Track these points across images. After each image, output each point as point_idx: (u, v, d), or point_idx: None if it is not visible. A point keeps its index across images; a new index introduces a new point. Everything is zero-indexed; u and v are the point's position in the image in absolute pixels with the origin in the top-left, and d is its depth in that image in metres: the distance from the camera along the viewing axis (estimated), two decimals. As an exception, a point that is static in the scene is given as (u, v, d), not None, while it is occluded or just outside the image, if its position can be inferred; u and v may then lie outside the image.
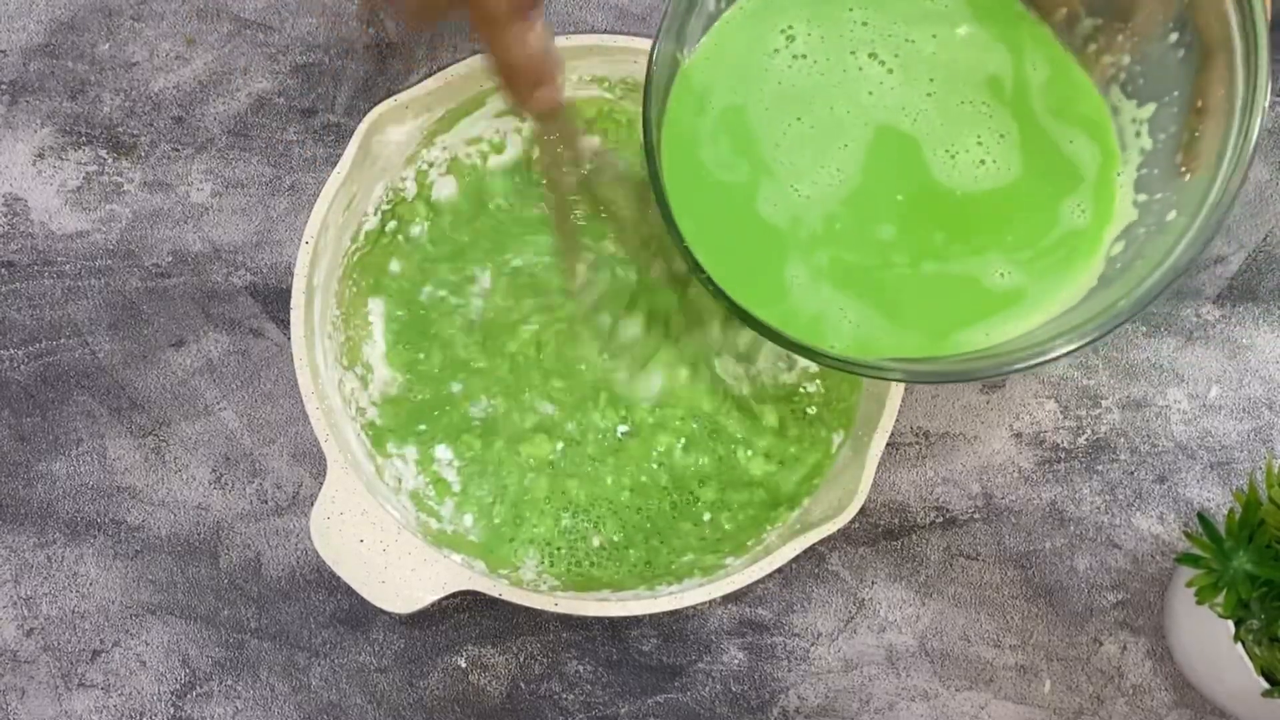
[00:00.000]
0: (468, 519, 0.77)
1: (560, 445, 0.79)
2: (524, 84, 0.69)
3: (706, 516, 0.78)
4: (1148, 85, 0.65)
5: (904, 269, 0.65)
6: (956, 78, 0.67)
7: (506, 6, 0.65)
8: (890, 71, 0.67)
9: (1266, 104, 0.59)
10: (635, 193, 0.80)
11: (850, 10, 0.68)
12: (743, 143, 0.67)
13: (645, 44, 0.78)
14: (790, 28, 0.68)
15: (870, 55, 0.68)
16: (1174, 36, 0.64)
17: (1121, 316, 0.60)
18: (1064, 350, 0.60)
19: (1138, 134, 0.65)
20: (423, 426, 0.79)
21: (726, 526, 0.78)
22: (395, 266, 0.81)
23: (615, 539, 0.77)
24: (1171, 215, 0.63)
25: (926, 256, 0.66)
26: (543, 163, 0.78)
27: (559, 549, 0.77)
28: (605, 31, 0.83)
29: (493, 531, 0.77)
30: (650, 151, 0.64)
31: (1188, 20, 0.63)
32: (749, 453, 0.79)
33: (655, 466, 0.79)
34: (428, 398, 0.79)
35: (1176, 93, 0.64)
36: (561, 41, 0.79)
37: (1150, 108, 0.65)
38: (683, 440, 0.79)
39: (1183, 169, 0.63)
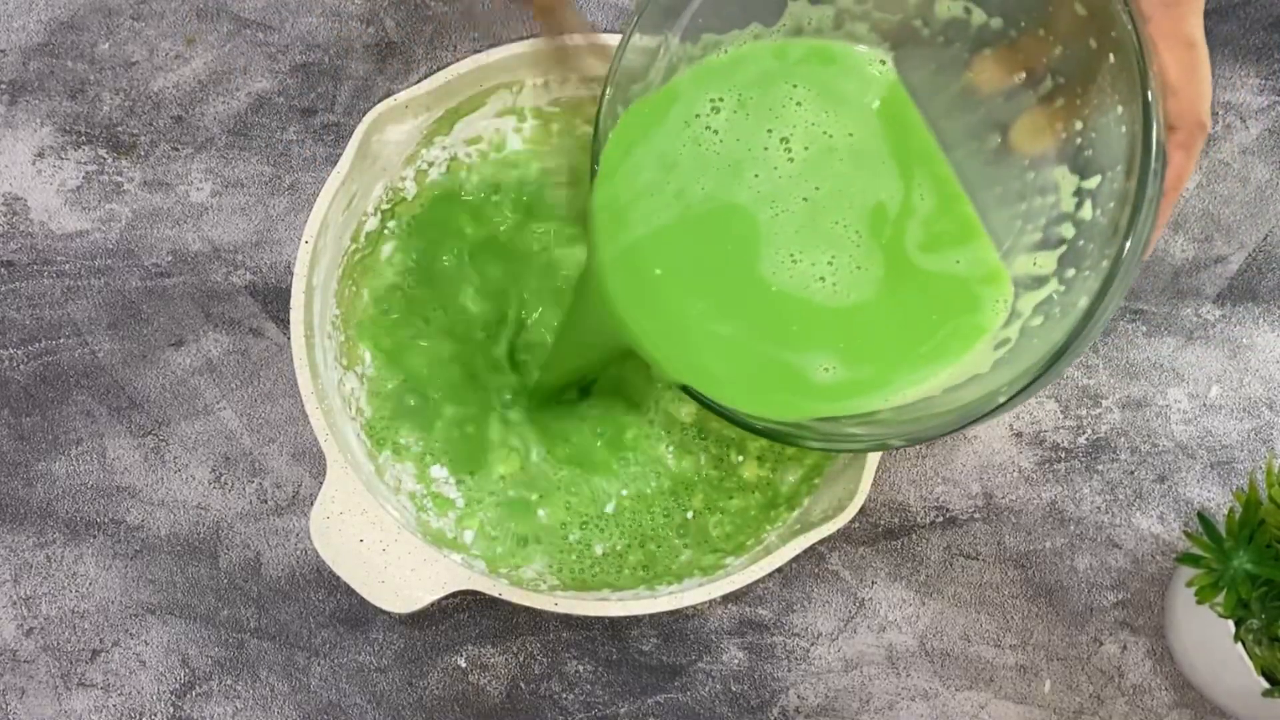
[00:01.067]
0: (468, 534, 0.77)
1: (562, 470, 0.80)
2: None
3: (690, 515, 0.78)
4: (1096, 156, 0.64)
5: (741, 344, 0.66)
6: (844, 193, 0.67)
7: None
8: (791, 161, 0.67)
9: (1142, 235, 0.56)
10: None
11: (794, 88, 0.68)
12: (638, 199, 0.68)
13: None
14: (720, 100, 0.68)
15: (783, 140, 0.67)
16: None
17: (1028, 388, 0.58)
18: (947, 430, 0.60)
19: (1079, 205, 0.63)
20: (410, 439, 0.79)
21: (713, 533, 0.77)
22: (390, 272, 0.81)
23: (618, 547, 0.77)
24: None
25: (760, 339, 0.66)
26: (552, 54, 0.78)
27: (562, 563, 0.77)
28: (604, 31, 0.83)
29: (494, 557, 0.77)
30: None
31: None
32: (740, 457, 0.79)
33: (653, 475, 0.79)
34: (416, 404, 0.80)
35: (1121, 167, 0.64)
36: (561, 41, 0.79)
37: (1095, 180, 0.63)
38: (672, 448, 0.79)
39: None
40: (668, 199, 0.68)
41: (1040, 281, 0.61)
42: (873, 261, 0.65)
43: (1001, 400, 0.58)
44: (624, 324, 0.67)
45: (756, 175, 0.67)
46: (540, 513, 0.78)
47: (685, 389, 0.66)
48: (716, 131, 0.68)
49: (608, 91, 0.69)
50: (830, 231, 0.66)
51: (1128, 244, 0.55)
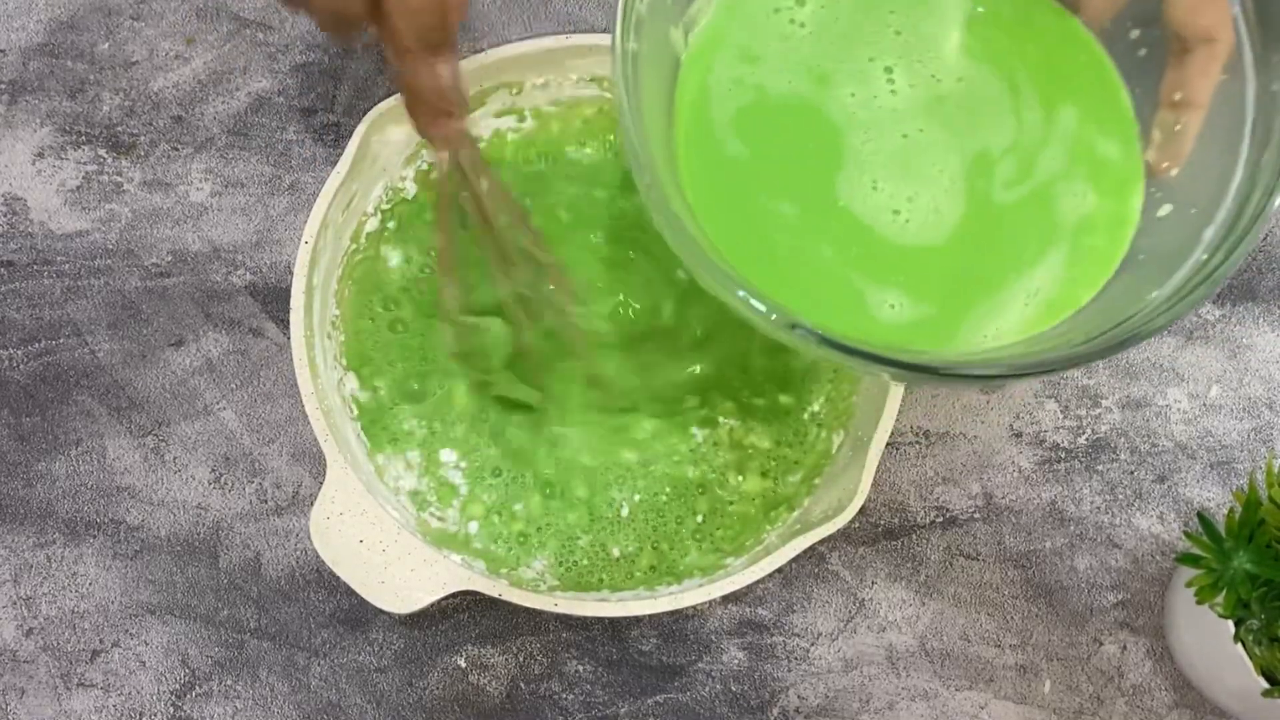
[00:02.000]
0: (473, 526, 0.77)
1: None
2: (424, 113, 0.73)
3: (700, 519, 0.78)
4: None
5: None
6: (948, 142, 0.67)
7: (413, 41, 0.69)
8: (893, 94, 0.67)
9: None
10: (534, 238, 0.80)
11: (890, 14, 0.68)
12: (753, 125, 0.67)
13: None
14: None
15: (886, 70, 0.67)
16: (1134, 33, 0.63)
17: (1133, 336, 0.58)
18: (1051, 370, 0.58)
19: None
20: (414, 423, 0.79)
21: (718, 532, 0.77)
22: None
23: (629, 549, 0.77)
24: (1165, 210, 0.62)
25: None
26: (437, 191, 0.77)
27: (568, 566, 0.77)
28: (604, 31, 0.83)
29: (497, 557, 0.77)
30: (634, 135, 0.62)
31: (1152, 14, 0.62)
32: (740, 478, 0.79)
33: (660, 481, 0.79)
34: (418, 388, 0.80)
35: (1139, 90, 0.64)
36: (560, 41, 0.79)
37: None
38: (676, 457, 0.79)
39: (1159, 168, 0.63)
40: (748, 90, 0.67)
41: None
42: (954, 208, 0.65)
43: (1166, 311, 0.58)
44: (696, 227, 0.64)
45: (852, 95, 0.67)
46: (540, 498, 0.78)
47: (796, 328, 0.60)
48: (804, 25, 0.68)
49: None
50: (923, 172, 0.66)
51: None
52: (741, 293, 0.58)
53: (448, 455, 0.79)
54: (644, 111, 0.62)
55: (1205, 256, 0.59)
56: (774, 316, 0.57)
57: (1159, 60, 0.63)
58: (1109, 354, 0.57)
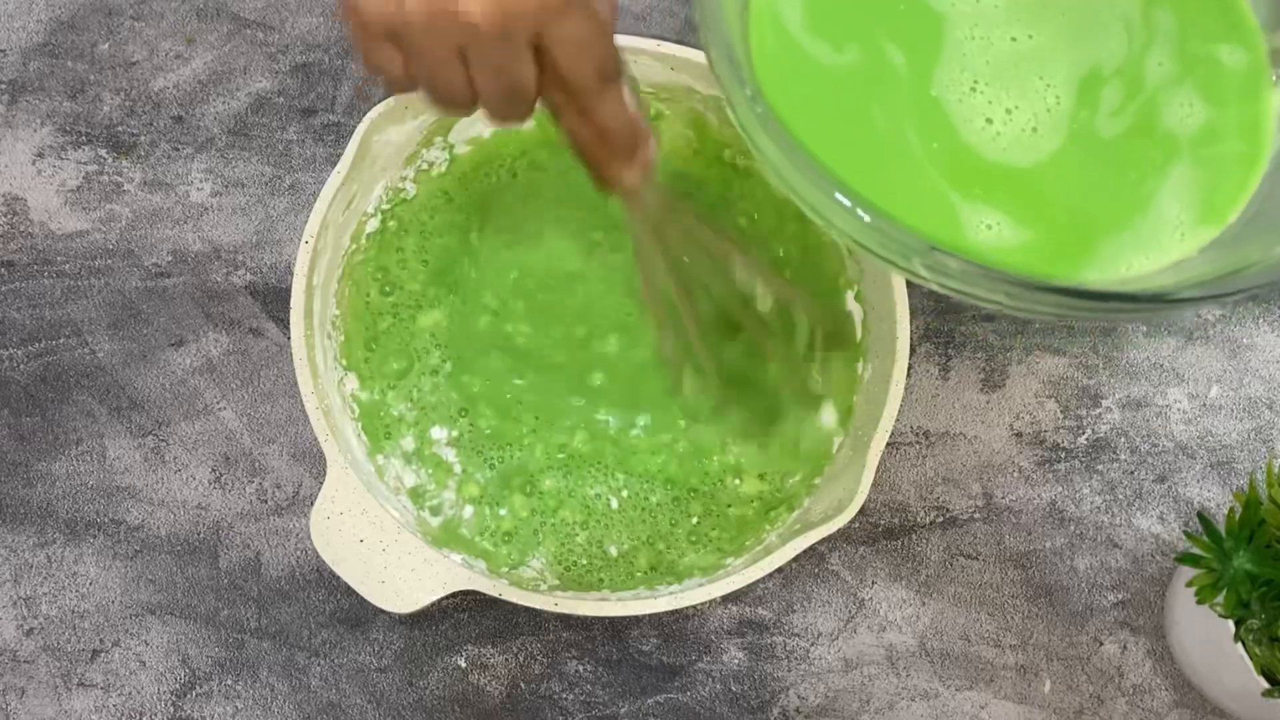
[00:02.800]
0: (468, 511, 0.77)
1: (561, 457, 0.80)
2: (615, 156, 0.61)
3: (695, 520, 0.78)
4: None
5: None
6: (1057, 54, 0.65)
7: (593, 73, 0.57)
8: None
9: None
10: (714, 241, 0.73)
11: None
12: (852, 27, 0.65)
13: (645, 43, 0.78)
14: None
15: None
16: None
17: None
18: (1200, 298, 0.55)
19: None
20: (404, 407, 0.79)
21: (713, 534, 0.78)
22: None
23: (625, 548, 0.77)
24: None
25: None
26: (635, 242, 0.68)
27: (567, 565, 0.77)
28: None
29: (495, 554, 0.77)
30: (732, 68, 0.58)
31: None
32: (738, 481, 0.79)
33: (654, 481, 0.79)
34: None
35: None
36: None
37: None
38: (675, 461, 0.79)
39: None
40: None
41: None
42: (1054, 133, 0.63)
43: None
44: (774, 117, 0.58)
45: None
46: (544, 483, 0.78)
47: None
48: None
49: None
50: (1027, 83, 0.64)
51: None
52: (872, 218, 0.54)
53: (439, 433, 0.79)
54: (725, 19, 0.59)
55: None
56: (913, 243, 0.54)
57: None
58: None
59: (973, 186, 0.62)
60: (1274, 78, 0.64)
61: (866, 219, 0.55)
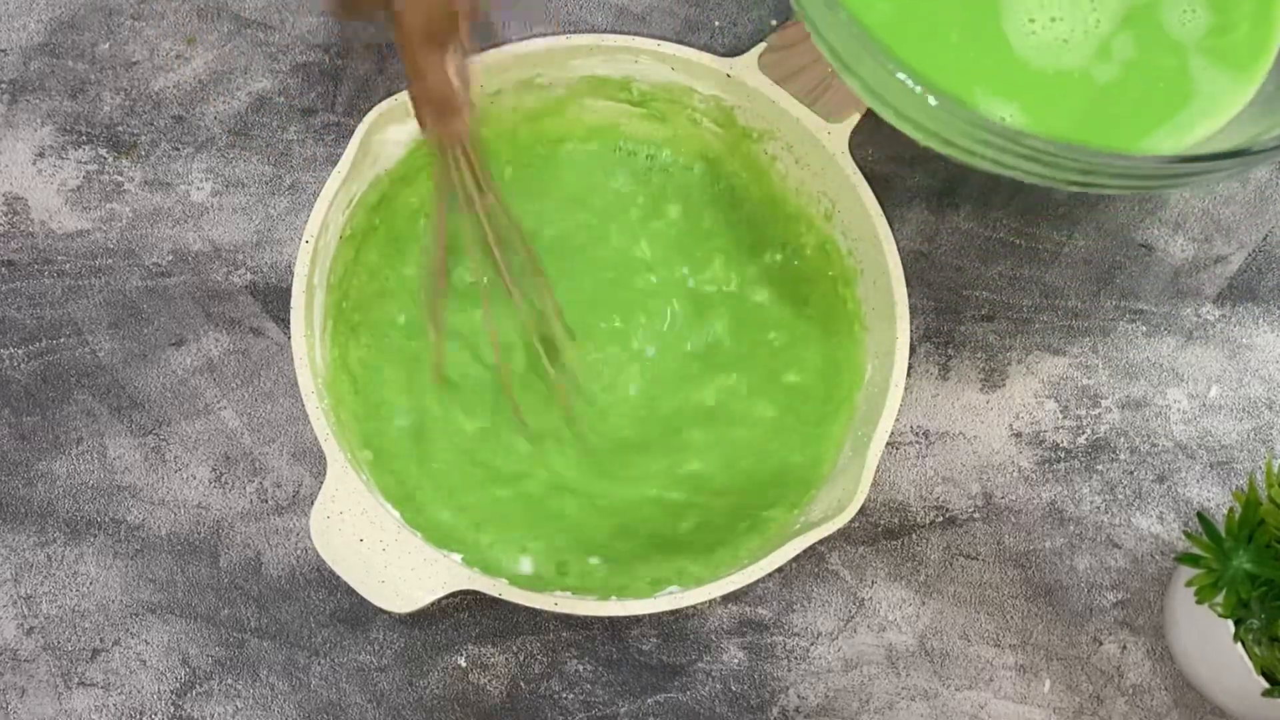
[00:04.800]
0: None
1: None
2: (429, 109, 0.73)
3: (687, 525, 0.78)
4: None
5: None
6: None
7: (420, 34, 0.69)
8: None
9: None
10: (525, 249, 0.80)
11: None
12: None
13: (645, 43, 0.78)
14: None
15: None
16: None
17: None
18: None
19: None
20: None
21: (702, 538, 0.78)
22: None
23: (613, 559, 0.77)
24: None
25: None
26: (435, 182, 0.78)
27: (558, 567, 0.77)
28: (605, 31, 0.83)
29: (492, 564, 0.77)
30: None
31: None
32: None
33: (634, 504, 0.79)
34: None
35: None
36: (562, 41, 0.79)
37: None
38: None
39: None
40: None
41: None
42: (1082, 49, 0.68)
43: None
44: None
45: None
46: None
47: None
48: None
49: None
50: (1079, 3, 0.69)
51: None
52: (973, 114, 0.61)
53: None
54: None
55: None
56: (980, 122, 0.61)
57: None
58: None
59: (996, 78, 0.68)
60: None
61: (933, 102, 0.62)
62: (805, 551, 0.69)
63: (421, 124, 0.74)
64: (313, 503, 0.70)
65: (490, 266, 0.78)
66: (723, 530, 0.77)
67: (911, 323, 0.75)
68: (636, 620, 0.80)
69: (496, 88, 0.80)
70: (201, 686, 0.78)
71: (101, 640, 0.78)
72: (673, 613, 0.79)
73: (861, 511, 0.78)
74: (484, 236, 0.77)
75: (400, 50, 0.71)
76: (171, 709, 0.77)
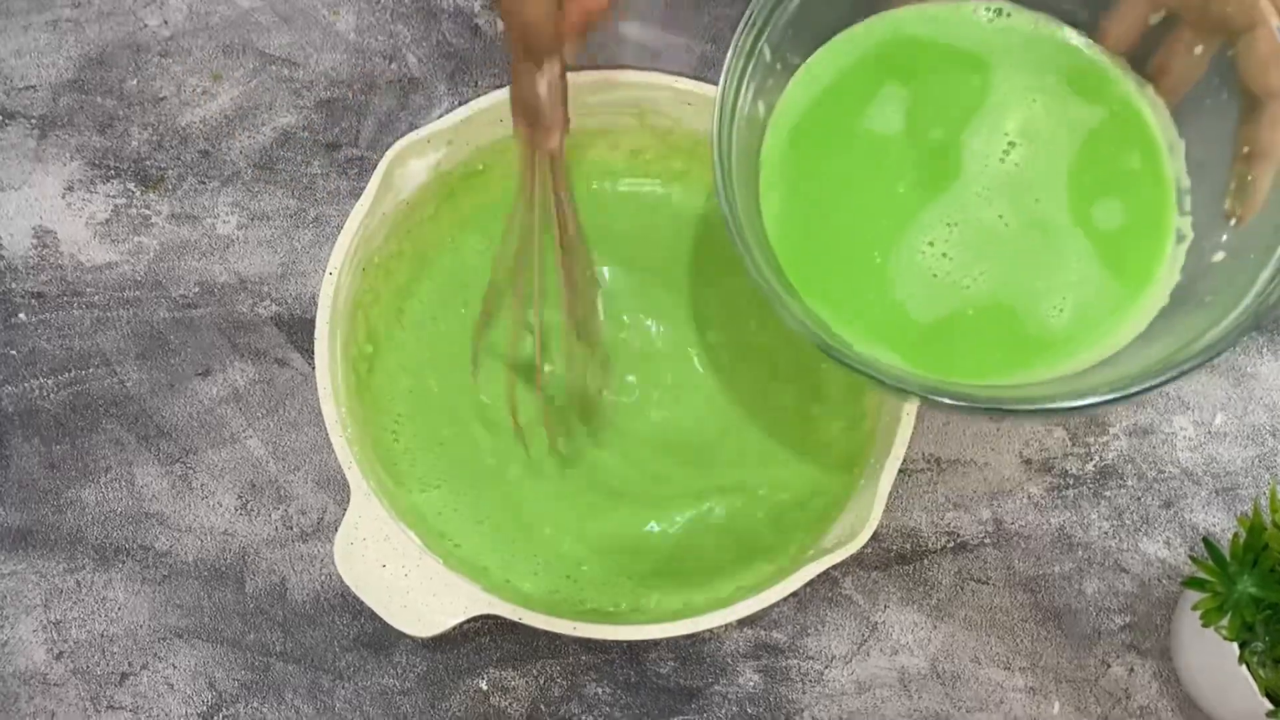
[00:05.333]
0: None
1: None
2: (520, 117, 0.73)
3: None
4: (1186, 122, 0.66)
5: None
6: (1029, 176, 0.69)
7: (519, 47, 0.70)
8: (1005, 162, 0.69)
9: None
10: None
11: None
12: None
13: (662, 79, 0.79)
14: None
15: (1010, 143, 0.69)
16: (1213, 81, 0.64)
17: (1181, 366, 0.59)
18: (1104, 400, 0.59)
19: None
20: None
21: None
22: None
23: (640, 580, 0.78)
24: (1219, 256, 0.63)
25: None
26: (518, 181, 0.77)
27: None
28: (621, 67, 0.84)
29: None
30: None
31: (1228, 68, 0.63)
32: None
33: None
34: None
35: (1214, 142, 0.65)
36: (582, 78, 0.79)
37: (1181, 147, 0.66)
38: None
39: (1232, 216, 0.63)
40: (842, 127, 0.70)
41: (1216, 226, 0.64)
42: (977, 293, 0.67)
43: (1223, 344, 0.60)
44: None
45: (976, 147, 0.69)
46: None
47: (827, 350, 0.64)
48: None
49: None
50: (986, 254, 0.68)
51: None
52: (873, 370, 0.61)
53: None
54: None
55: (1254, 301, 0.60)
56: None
57: (1223, 114, 0.64)
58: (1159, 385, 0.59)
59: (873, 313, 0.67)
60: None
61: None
62: (819, 576, 0.70)
63: (515, 125, 0.74)
64: (336, 529, 0.71)
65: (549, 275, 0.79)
66: (737, 558, 0.78)
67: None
68: (654, 644, 0.80)
69: (509, 133, 0.81)
70: (228, 710, 0.78)
71: (130, 664, 0.79)
72: (689, 637, 0.80)
73: (874, 537, 0.78)
74: (551, 243, 0.77)
75: (513, 57, 0.72)
76: (199, 731, 0.78)
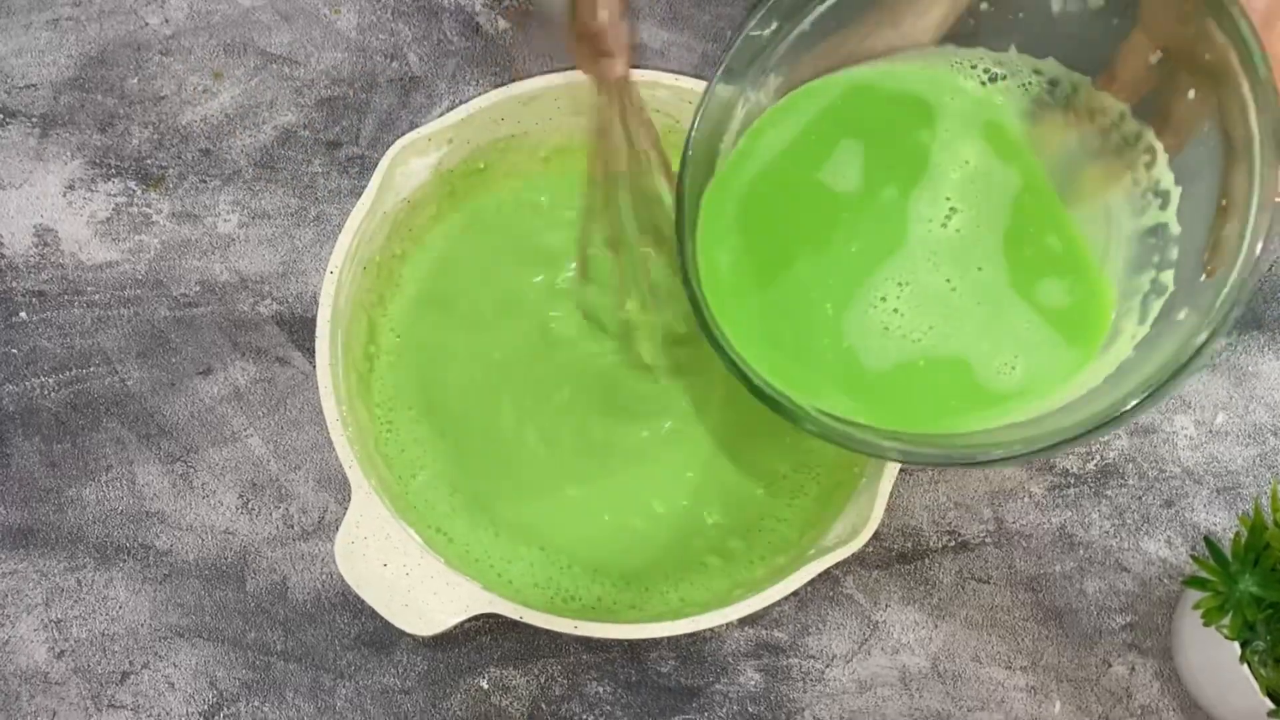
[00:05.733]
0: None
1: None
2: (584, 50, 0.72)
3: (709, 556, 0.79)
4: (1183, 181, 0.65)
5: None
6: (970, 244, 0.68)
7: None
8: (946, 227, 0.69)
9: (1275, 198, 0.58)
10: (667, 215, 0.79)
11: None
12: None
13: (664, 77, 0.79)
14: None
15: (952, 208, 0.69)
16: (1208, 130, 0.64)
17: (1128, 413, 0.59)
18: (1060, 444, 0.60)
19: (1181, 224, 0.64)
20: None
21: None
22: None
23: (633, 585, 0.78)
24: (1183, 314, 0.63)
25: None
26: (592, 128, 0.76)
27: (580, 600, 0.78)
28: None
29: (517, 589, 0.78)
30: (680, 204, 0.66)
31: (1214, 120, 0.62)
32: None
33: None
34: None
35: (1204, 194, 0.63)
36: (583, 76, 0.80)
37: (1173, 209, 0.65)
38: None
39: (1208, 268, 0.62)
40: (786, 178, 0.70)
41: (1144, 304, 0.64)
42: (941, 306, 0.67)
43: (1121, 412, 0.60)
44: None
45: (922, 211, 0.68)
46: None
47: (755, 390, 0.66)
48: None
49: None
50: (933, 315, 0.67)
51: (1242, 250, 0.58)
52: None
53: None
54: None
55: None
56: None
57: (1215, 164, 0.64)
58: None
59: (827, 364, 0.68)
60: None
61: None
62: (820, 575, 0.70)
63: (581, 67, 0.73)
64: (337, 528, 0.71)
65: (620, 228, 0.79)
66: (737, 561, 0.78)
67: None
68: (655, 643, 0.80)
69: (509, 132, 0.82)
70: (229, 709, 0.78)
71: (131, 663, 0.79)
72: (690, 635, 0.80)
73: (875, 536, 0.78)
74: (630, 188, 0.78)
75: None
76: (200, 730, 0.78)
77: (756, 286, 0.68)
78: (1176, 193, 0.64)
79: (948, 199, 0.68)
